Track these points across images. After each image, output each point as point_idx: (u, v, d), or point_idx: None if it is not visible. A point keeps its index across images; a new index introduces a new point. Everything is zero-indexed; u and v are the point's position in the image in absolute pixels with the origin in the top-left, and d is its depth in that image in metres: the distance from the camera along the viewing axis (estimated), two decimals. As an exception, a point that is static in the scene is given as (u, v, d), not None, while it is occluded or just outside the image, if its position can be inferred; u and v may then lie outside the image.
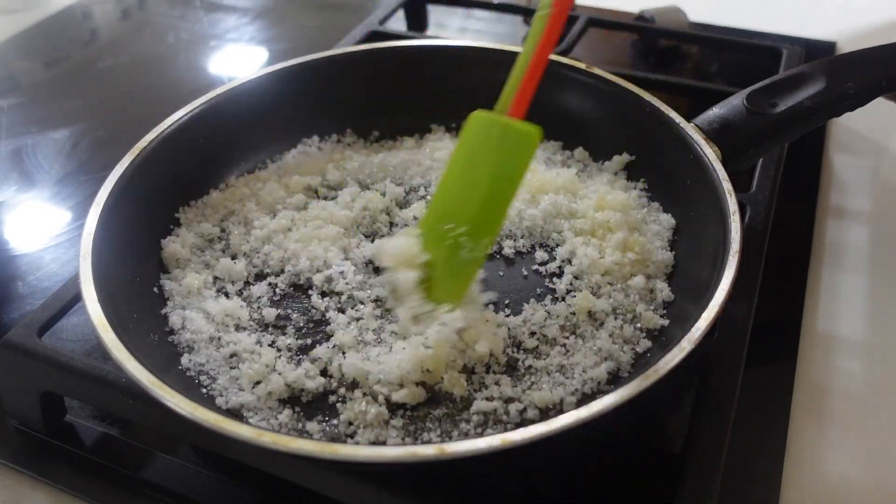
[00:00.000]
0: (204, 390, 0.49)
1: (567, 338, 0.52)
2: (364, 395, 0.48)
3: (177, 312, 0.54)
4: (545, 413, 0.47)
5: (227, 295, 0.56)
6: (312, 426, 0.47)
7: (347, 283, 0.56)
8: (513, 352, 0.51)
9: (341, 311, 0.55)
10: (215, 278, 0.57)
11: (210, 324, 0.53)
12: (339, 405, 0.48)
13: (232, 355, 0.51)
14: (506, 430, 0.45)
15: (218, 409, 0.43)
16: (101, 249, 0.49)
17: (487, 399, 0.48)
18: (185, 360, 0.51)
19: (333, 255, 0.58)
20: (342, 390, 0.49)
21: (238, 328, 0.53)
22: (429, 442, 0.45)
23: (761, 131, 0.58)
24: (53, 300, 0.53)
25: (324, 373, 0.50)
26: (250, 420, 0.47)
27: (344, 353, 0.51)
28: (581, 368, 0.49)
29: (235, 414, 0.47)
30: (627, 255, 0.56)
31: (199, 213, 0.62)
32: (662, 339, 0.51)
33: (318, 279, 0.57)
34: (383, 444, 0.45)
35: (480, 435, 0.46)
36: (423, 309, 0.52)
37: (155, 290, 0.55)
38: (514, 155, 0.52)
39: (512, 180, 0.52)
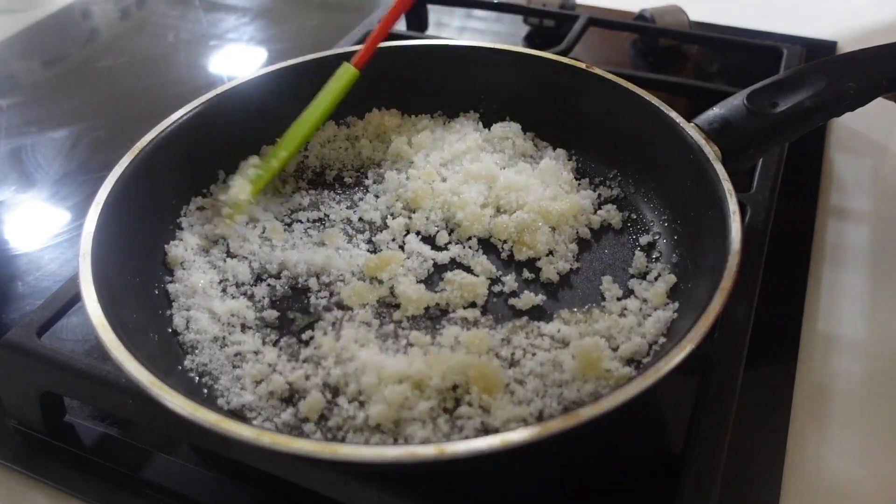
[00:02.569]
0: (206, 391, 0.49)
1: (561, 349, 0.52)
2: (350, 401, 0.48)
3: (181, 314, 0.54)
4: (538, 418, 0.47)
5: (232, 295, 0.56)
6: (310, 427, 0.47)
7: (346, 284, 0.56)
8: (504, 366, 0.50)
9: (340, 309, 0.55)
10: (221, 280, 0.57)
11: (215, 324, 0.53)
12: (326, 412, 0.48)
13: (236, 354, 0.51)
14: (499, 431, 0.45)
15: (219, 410, 0.43)
16: (101, 249, 0.49)
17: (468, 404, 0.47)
18: (188, 361, 0.51)
19: (330, 259, 0.58)
20: (329, 395, 0.49)
21: (244, 328, 0.53)
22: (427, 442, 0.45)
23: (761, 131, 0.58)
24: (53, 300, 0.53)
25: (317, 367, 0.50)
26: (252, 421, 0.47)
27: (337, 355, 0.51)
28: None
29: (237, 415, 0.47)
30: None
31: (201, 215, 0.62)
32: (663, 342, 0.51)
33: (314, 283, 0.57)
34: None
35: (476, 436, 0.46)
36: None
37: (156, 290, 0.55)
38: (333, 85, 0.64)
39: (321, 105, 0.64)
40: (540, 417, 0.46)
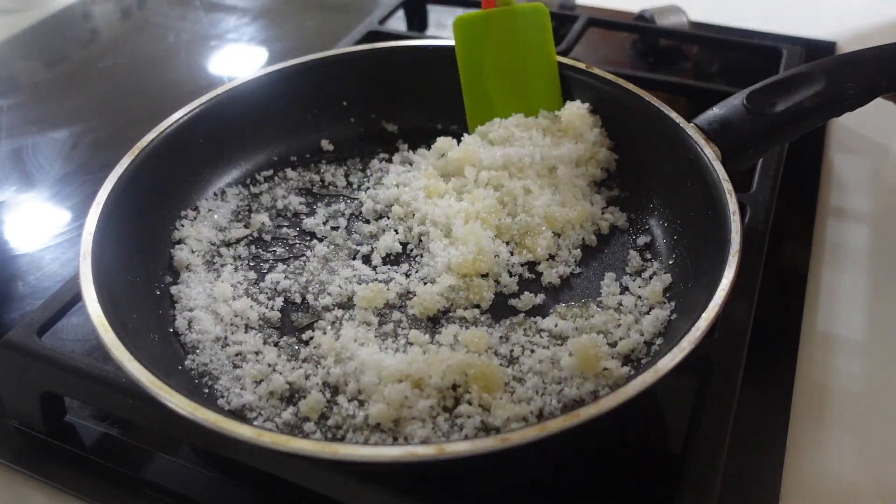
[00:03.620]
0: (206, 391, 0.49)
1: (559, 345, 0.52)
2: (350, 400, 0.48)
3: (184, 314, 0.54)
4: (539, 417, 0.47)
5: (234, 296, 0.56)
6: (310, 426, 0.47)
7: (343, 289, 0.56)
8: (503, 364, 0.51)
9: (340, 308, 0.55)
10: (226, 281, 0.57)
11: (218, 324, 0.53)
12: (325, 411, 0.48)
13: (237, 354, 0.51)
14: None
15: (219, 410, 0.43)
16: (102, 250, 0.49)
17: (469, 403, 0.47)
18: (188, 361, 0.51)
19: (329, 270, 0.58)
20: (328, 394, 0.49)
21: (247, 328, 0.53)
22: (427, 442, 0.45)
23: (761, 131, 0.58)
24: (53, 300, 0.53)
25: (317, 366, 0.50)
26: (253, 421, 0.47)
27: (336, 355, 0.51)
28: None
29: (237, 415, 0.47)
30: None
31: (203, 219, 0.62)
32: (661, 343, 0.51)
33: (314, 288, 0.57)
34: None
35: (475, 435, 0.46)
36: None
37: (157, 291, 0.55)
38: (538, 32, 0.67)
39: (547, 54, 0.67)
40: (540, 416, 0.46)
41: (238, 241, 0.61)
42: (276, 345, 0.53)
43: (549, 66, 0.67)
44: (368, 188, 0.66)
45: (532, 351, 0.51)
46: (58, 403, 0.53)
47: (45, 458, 0.52)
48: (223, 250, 0.60)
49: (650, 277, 0.56)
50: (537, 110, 0.67)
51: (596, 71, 0.66)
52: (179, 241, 0.59)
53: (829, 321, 0.62)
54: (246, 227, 0.62)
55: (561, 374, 0.49)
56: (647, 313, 0.53)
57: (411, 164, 0.67)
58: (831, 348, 0.60)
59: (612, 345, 0.51)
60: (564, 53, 0.83)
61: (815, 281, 0.66)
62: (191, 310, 0.54)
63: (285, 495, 0.49)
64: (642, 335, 0.51)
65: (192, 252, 0.58)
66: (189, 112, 0.62)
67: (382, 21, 0.93)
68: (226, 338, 0.52)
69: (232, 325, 0.53)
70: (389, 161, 0.69)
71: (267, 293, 0.57)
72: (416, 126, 0.71)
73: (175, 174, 0.61)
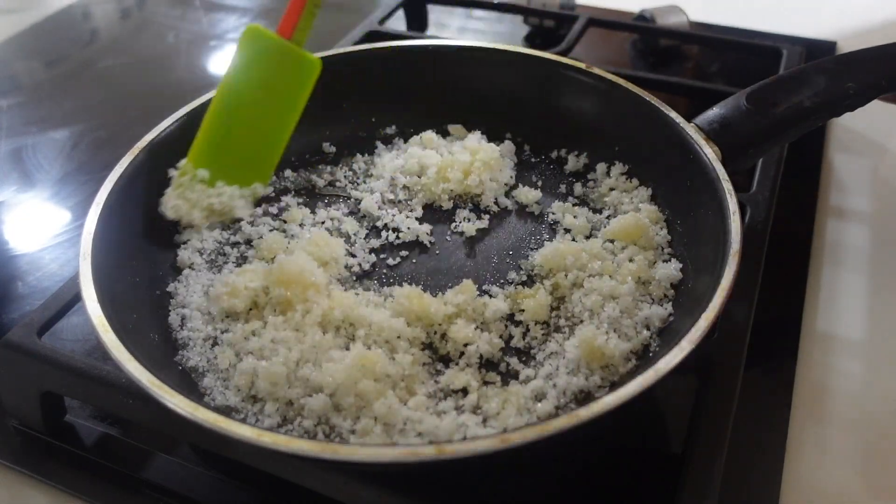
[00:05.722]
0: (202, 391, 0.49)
1: (560, 343, 0.52)
2: (339, 411, 0.47)
3: (177, 311, 0.54)
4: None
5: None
6: (296, 430, 0.46)
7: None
8: (503, 355, 0.51)
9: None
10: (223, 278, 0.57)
11: (210, 323, 0.53)
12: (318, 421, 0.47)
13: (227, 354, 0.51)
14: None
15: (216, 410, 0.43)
16: (102, 250, 0.49)
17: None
18: (178, 357, 0.51)
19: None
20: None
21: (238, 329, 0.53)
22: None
23: (761, 131, 0.58)
24: (53, 300, 0.53)
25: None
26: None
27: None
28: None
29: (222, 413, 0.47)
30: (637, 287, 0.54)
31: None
32: (661, 343, 0.51)
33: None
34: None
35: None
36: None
37: (157, 291, 0.55)
38: (294, 83, 0.55)
39: (288, 112, 0.56)
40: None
41: (240, 241, 0.61)
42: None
43: (283, 131, 0.58)
44: (359, 174, 0.67)
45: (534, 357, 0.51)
46: (58, 403, 0.53)
47: (45, 458, 0.52)
48: (227, 249, 0.60)
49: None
50: (251, 181, 0.58)
51: (596, 71, 0.66)
52: (185, 242, 0.59)
53: (829, 321, 0.62)
54: (251, 226, 0.62)
55: (567, 367, 0.49)
56: (648, 312, 0.53)
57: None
58: (831, 348, 0.60)
59: (615, 336, 0.51)
60: (564, 53, 0.83)
61: (815, 281, 0.66)
62: (184, 307, 0.54)
63: (285, 495, 0.49)
64: (640, 334, 0.51)
65: (196, 251, 0.58)
66: (189, 112, 0.62)
67: (382, 21, 0.93)
68: (216, 337, 0.52)
69: (224, 322, 0.53)
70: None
71: (266, 297, 0.56)
72: (416, 127, 0.71)
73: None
